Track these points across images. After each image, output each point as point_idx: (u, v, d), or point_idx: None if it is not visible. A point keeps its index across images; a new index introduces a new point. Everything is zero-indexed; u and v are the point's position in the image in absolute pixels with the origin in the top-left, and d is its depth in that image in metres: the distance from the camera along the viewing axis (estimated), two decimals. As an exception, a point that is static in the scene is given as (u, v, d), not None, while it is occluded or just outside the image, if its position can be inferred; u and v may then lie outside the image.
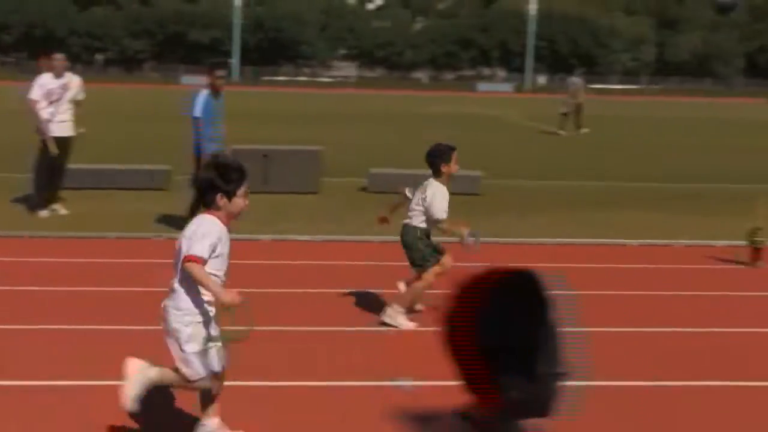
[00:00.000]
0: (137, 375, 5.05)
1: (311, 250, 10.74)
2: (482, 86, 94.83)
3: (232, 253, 5.04)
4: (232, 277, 5.09)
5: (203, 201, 5.06)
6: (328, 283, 9.06)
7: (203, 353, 5.00)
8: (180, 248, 4.96)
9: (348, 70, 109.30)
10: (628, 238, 11.88)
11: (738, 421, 5.76)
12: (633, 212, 14.07)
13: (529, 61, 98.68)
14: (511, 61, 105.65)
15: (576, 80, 32.75)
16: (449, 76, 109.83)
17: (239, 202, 4.98)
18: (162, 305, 5.06)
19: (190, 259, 4.82)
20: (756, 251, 10.26)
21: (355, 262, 10.05)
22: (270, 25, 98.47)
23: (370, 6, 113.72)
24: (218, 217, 4.96)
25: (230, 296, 4.84)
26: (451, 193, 7.79)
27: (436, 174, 7.84)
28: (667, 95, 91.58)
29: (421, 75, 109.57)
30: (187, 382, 5.11)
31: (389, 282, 8.45)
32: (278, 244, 11.03)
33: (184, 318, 4.96)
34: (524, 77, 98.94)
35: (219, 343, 5.09)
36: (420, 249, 7.79)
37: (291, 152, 16.04)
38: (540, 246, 11.31)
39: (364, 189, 15.65)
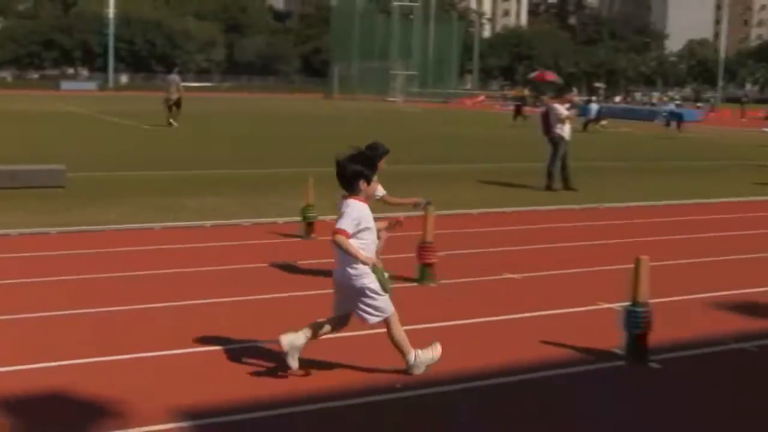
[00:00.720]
0: (291, 337, 5.57)
1: None
2: (66, 84, 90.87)
3: None
4: None
5: (348, 187, 5.60)
6: None
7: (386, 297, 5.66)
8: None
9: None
10: (203, 219, 12.05)
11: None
12: (209, 198, 14.30)
13: (111, 61, 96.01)
14: (94, 61, 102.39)
15: (173, 77, 33.68)
16: (34, 75, 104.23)
17: (374, 186, 5.81)
18: (336, 276, 5.65)
19: (337, 231, 5.46)
20: (309, 225, 10.87)
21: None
22: None
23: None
24: (361, 200, 5.61)
25: (368, 258, 5.51)
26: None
27: None
28: (237, 91, 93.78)
29: (6, 74, 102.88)
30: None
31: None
32: None
33: (362, 273, 5.52)
34: (107, 76, 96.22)
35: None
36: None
37: None
38: (129, 231, 11.11)
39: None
